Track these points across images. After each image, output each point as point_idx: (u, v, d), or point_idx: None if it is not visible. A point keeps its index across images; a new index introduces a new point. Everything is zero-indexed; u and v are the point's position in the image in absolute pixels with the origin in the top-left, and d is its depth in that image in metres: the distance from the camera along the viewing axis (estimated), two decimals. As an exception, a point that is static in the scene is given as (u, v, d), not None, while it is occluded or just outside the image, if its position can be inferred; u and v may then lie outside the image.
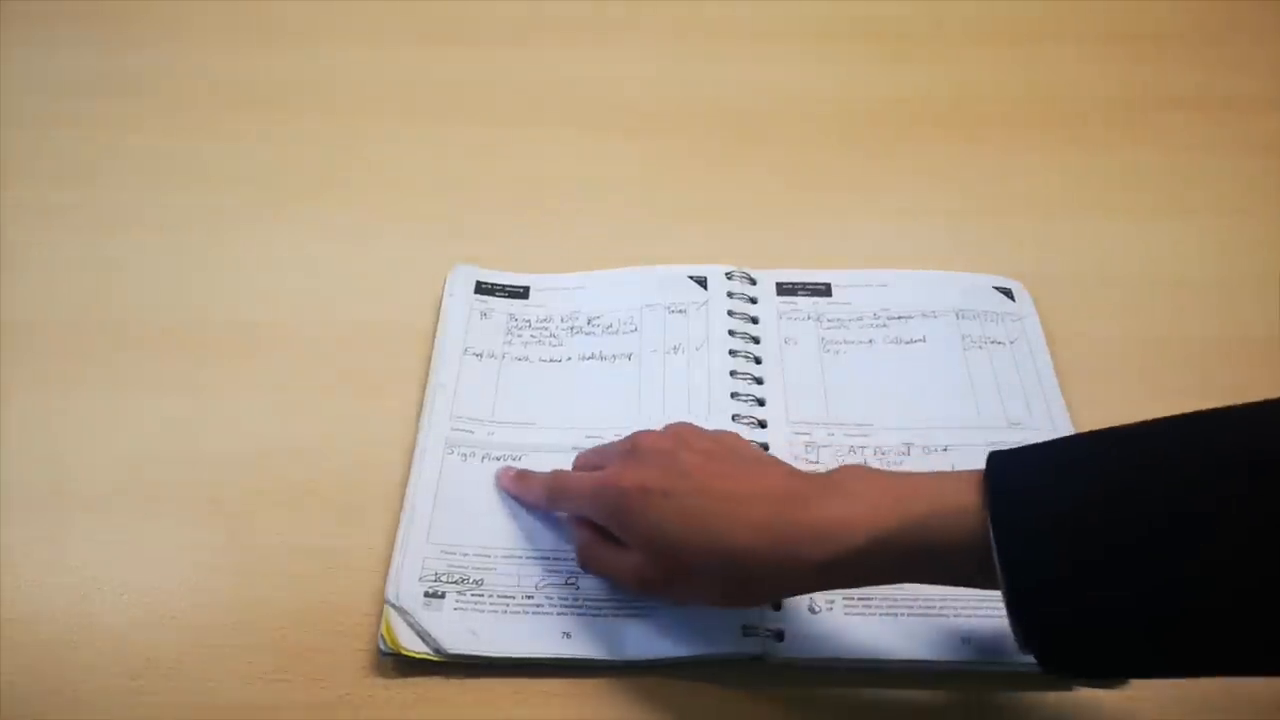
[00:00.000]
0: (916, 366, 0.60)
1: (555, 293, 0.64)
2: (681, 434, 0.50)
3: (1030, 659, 0.40)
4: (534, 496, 0.54)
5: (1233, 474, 0.37)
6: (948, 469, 0.55)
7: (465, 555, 0.52)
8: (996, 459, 0.41)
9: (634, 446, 0.50)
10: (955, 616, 0.50)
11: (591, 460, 0.53)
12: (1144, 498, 0.38)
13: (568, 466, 0.55)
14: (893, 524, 0.41)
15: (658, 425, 0.55)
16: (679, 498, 0.45)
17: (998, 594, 0.48)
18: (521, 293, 0.64)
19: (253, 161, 0.73)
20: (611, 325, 0.63)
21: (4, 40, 0.81)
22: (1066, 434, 0.56)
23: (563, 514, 0.53)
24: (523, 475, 0.55)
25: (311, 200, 0.71)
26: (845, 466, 0.46)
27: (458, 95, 0.78)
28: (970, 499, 0.40)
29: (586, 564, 0.51)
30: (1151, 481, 0.38)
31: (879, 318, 0.63)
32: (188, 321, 0.63)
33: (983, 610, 0.50)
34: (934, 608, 0.50)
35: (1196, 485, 0.37)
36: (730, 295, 0.63)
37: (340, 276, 0.66)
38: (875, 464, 0.56)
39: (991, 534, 0.39)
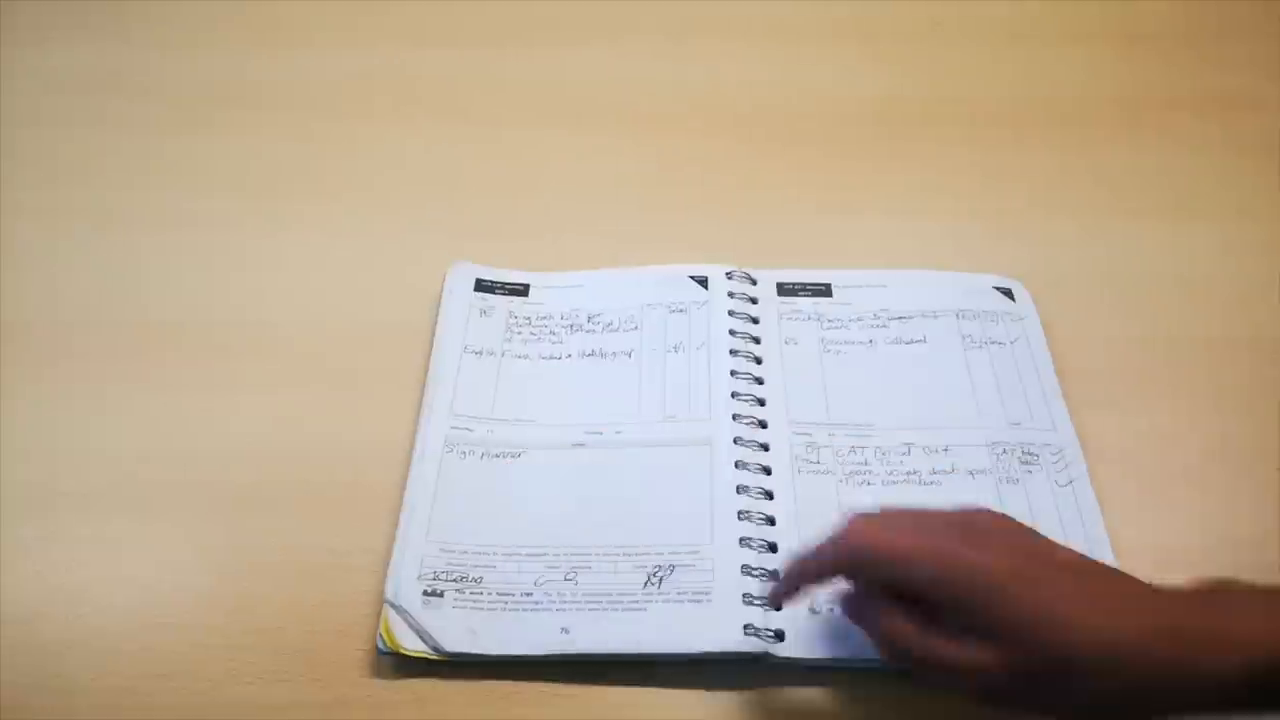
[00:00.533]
0: (917, 367, 0.60)
1: (555, 290, 0.64)
2: (1018, 524, 0.44)
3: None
4: (822, 565, 0.44)
5: None
6: (948, 468, 0.55)
7: (464, 553, 0.52)
8: None
9: (970, 522, 0.43)
10: (956, 616, 0.50)
11: (877, 521, 0.44)
12: None
13: (566, 463, 0.55)
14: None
15: (659, 424, 0.55)
16: (1056, 585, 0.40)
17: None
18: (521, 290, 0.64)
19: (252, 161, 0.73)
20: (612, 323, 0.62)
21: (4, 40, 0.81)
22: (1070, 436, 0.56)
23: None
24: (796, 559, 0.46)
25: (311, 199, 0.70)
26: (1221, 580, 0.41)
27: (457, 95, 0.78)
28: None
29: (919, 662, 0.42)
30: None
31: (879, 318, 0.63)
32: (187, 321, 0.63)
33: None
34: (934, 608, 0.50)
35: None
36: (731, 295, 0.63)
37: (340, 275, 0.66)
38: (875, 464, 0.56)
39: None
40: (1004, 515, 0.45)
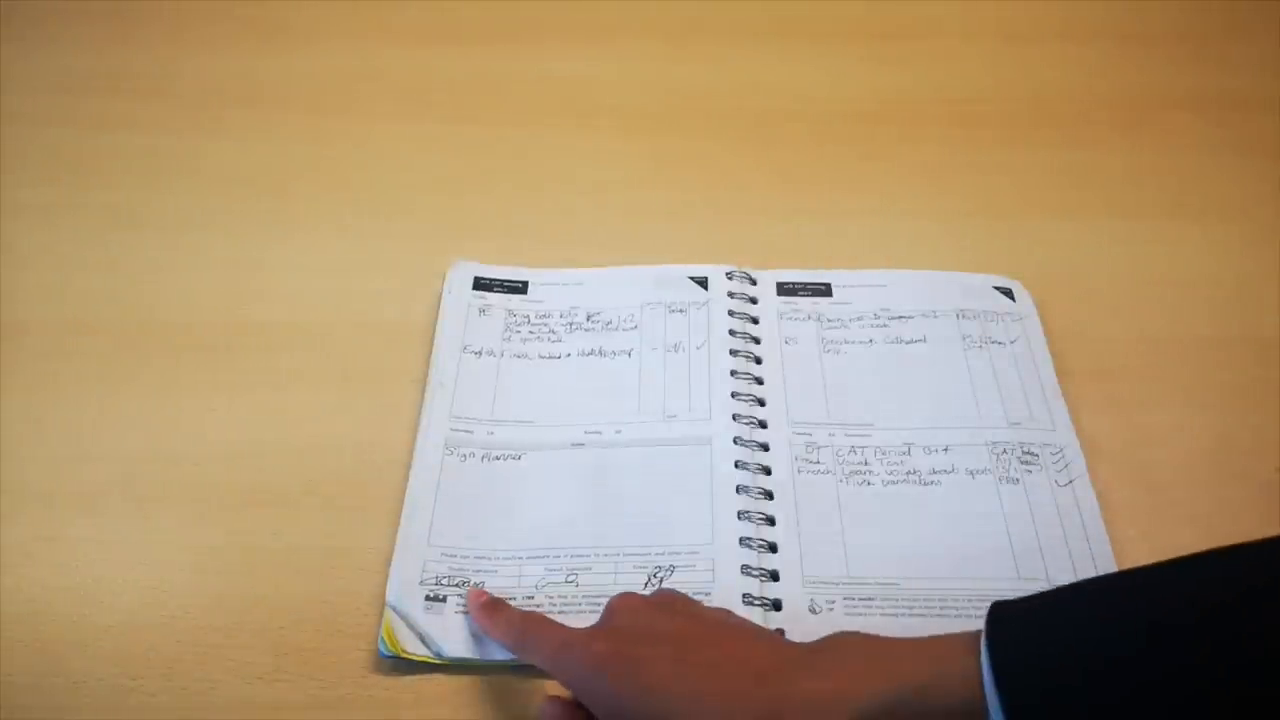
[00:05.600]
0: (917, 367, 0.60)
1: (554, 288, 0.64)
2: (665, 599, 0.46)
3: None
4: (501, 634, 0.48)
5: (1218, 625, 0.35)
6: (948, 467, 0.55)
7: (465, 557, 0.52)
8: (997, 622, 0.38)
9: (610, 609, 0.45)
10: (955, 617, 0.50)
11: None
12: (1147, 665, 0.35)
13: (566, 464, 0.55)
14: (889, 694, 0.38)
15: (658, 423, 0.55)
16: (649, 664, 0.41)
17: (999, 594, 0.47)
18: (520, 288, 0.64)
19: (252, 161, 0.73)
20: (611, 322, 0.62)
21: (4, 40, 0.81)
22: (1070, 436, 0.56)
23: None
24: (494, 607, 0.49)
25: (311, 199, 0.70)
26: (838, 634, 0.42)
27: (458, 95, 0.78)
28: (971, 664, 0.37)
29: None
30: (1155, 645, 0.35)
31: (879, 318, 0.63)
32: (186, 321, 0.63)
33: (983, 610, 0.50)
34: (934, 608, 0.50)
35: (1191, 644, 0.35)
36: (731, 295, 0.63)
37: (340, 275, 0.66)
38: (875, 464, 0.56)
39: (999, 711, 0.36)
40: (651, 597, 0.46)
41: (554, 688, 0.48)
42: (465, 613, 0.50)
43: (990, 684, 0.36)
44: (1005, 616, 0.38)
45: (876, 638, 0.42)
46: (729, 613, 0.46)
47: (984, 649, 0.37)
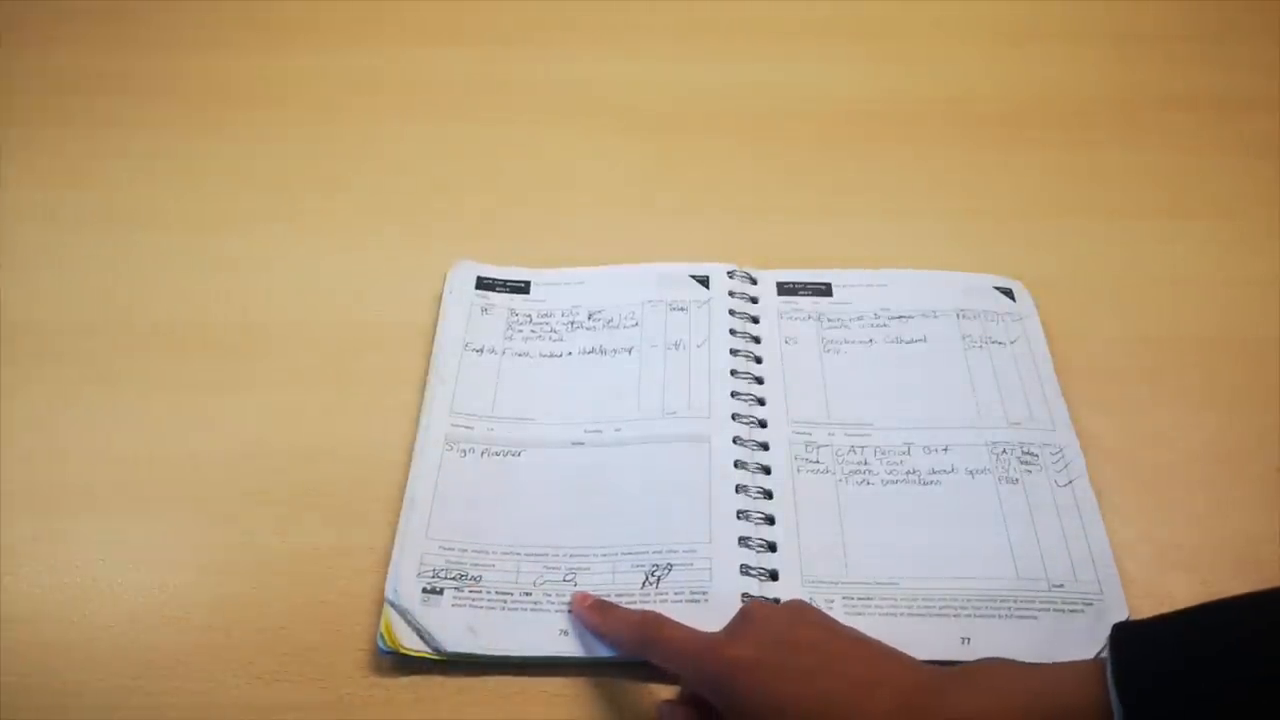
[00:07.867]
0: (917, 366, 0.60)
1: (556, 288, 0.64)
2: (799, 609, 0.46)
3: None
4: (617, 635, 0.48)
5: None
6: (948, 467, 0.55)
7: (464, 551, 0.52)
8: (1123, 654, 0.37)
9: (746, 615, 0.45)
10: (955, 616, 0.50)
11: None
12: (1267, 683, 0.34)
13: (566, 462, 0.55)
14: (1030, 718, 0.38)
15: (658, 421, 0.55)
16: (793, 675, 0.41)
17: (998, 594, 0.47)
18: (523, 288, 0.64)
19: (253, 161, 0.73)
20: (612, 320, 0.63)
21: (4, 40, 0.81)
22: (1070, 436, 0.56)
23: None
24: (605, 608, 0.49)
25: (312, 199, 0.71)
26: (980, 660, 0.42)
27: (460, 94, 0.78)
28: (1102, 693, 0.37)
29: None
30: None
31: (879, 317, 0.63)
32: (188, 321, 0.63)
33: (982, 610, 0.50)
34: (934, 608, 0.50)
35: None
36: (731, 294, 0.63)
37: (341, 274, 0.66)
38: (875, 463, 0.56)
39: None
40: (784, 607, 0.47)
41: (554, 687, 0.48)
42: (463, 606, 0.50)
43: (1116, 704, 0.36)
44: (1128, 636, 0.38)
45: (1013, 664, 0.41)
46: (858, 630, 0.45)
47: (1109, 669, 0.37)
